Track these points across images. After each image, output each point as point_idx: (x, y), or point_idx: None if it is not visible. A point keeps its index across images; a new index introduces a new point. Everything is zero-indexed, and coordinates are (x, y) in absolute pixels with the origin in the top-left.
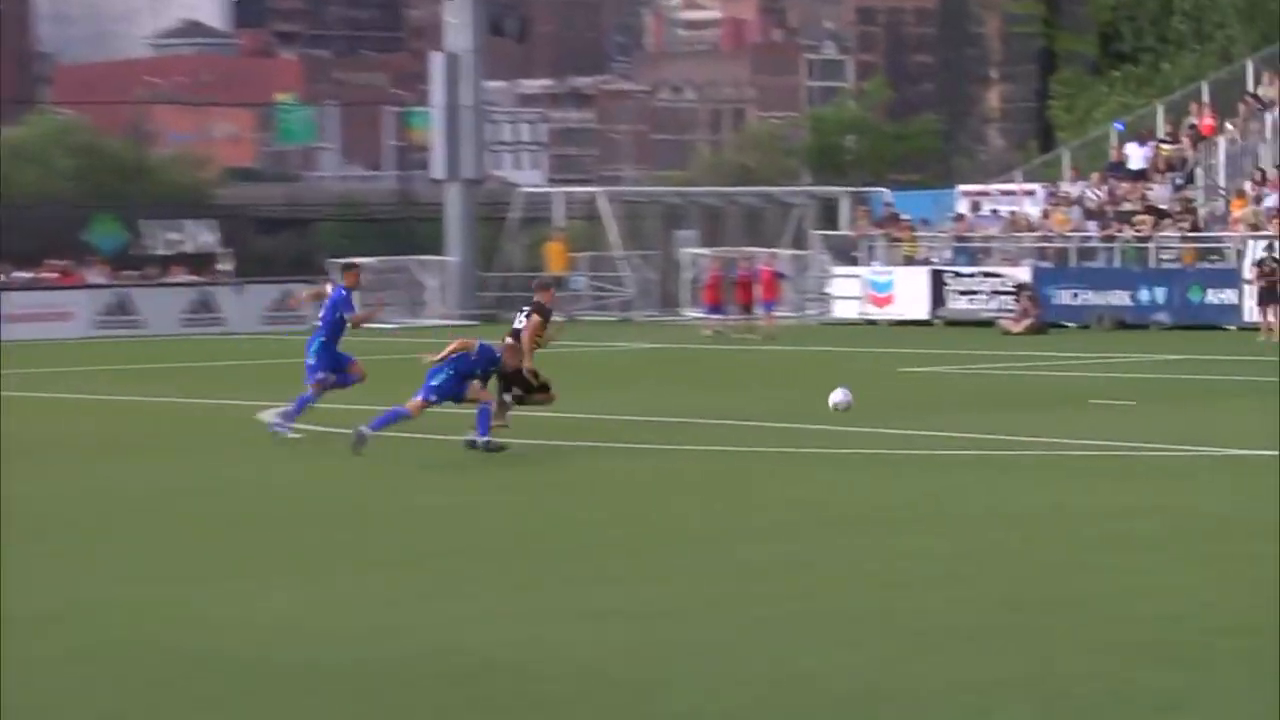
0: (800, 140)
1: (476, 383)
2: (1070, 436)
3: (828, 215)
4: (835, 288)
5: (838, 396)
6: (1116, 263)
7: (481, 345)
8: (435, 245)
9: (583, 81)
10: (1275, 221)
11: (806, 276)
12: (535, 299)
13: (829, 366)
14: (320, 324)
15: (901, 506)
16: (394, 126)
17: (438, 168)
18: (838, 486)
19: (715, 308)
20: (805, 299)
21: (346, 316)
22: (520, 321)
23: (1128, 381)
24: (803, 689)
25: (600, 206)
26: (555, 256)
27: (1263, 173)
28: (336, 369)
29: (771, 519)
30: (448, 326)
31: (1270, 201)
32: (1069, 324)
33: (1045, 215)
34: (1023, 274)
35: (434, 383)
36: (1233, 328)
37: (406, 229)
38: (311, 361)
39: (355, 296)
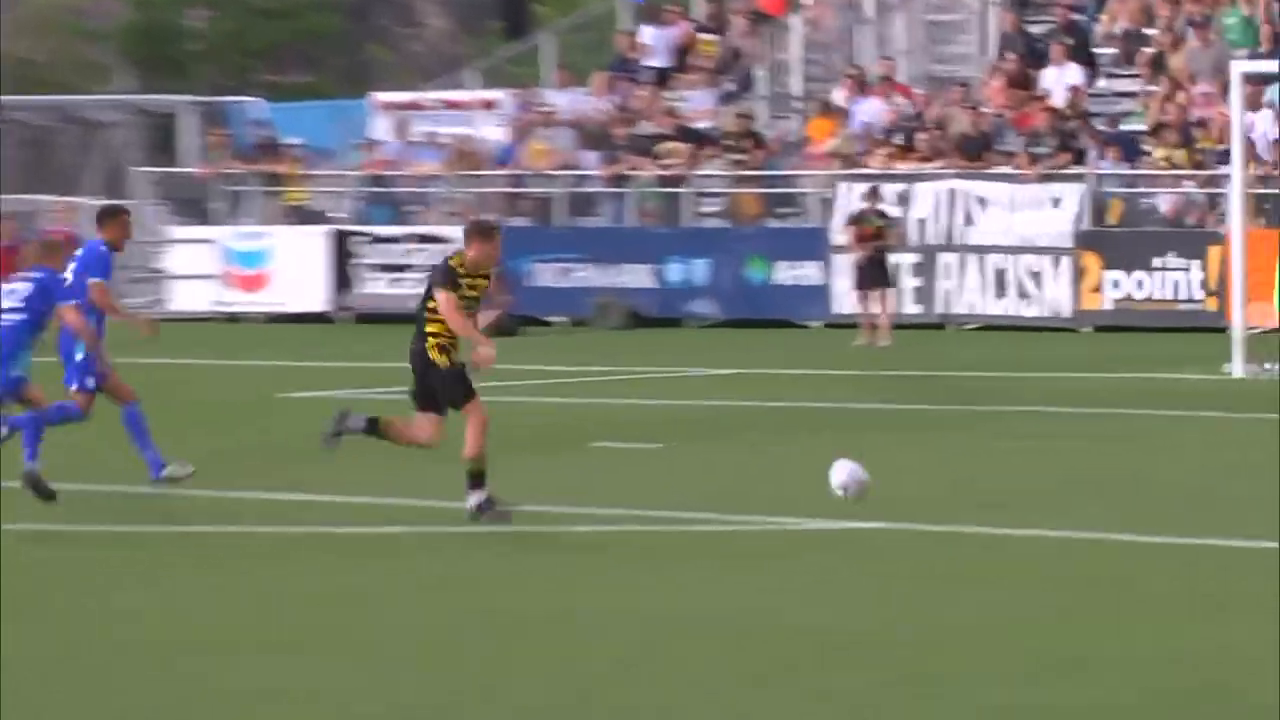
0: (112, 19)
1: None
2: (569, 500)
3: (161, 141)
4: (174, 260)
5: (843, 476)
6: (631, 220)
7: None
8: None
9: None
10: (883, 153)
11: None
12: (458, 255)
13: (158, 394)
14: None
15: (287, 619)
16: None
17: None
18: (177, 595)
19: None
20: (124, 279)
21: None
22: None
23: (652, 411)
24: None
25: None
26: None
27: (861, 73)
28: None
29: (88, 646)
30: None
31: (868, 115)
32: (556, 318)
33: (517, 142)
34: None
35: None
36: (816, 323)
37: None
38: (80, 357)
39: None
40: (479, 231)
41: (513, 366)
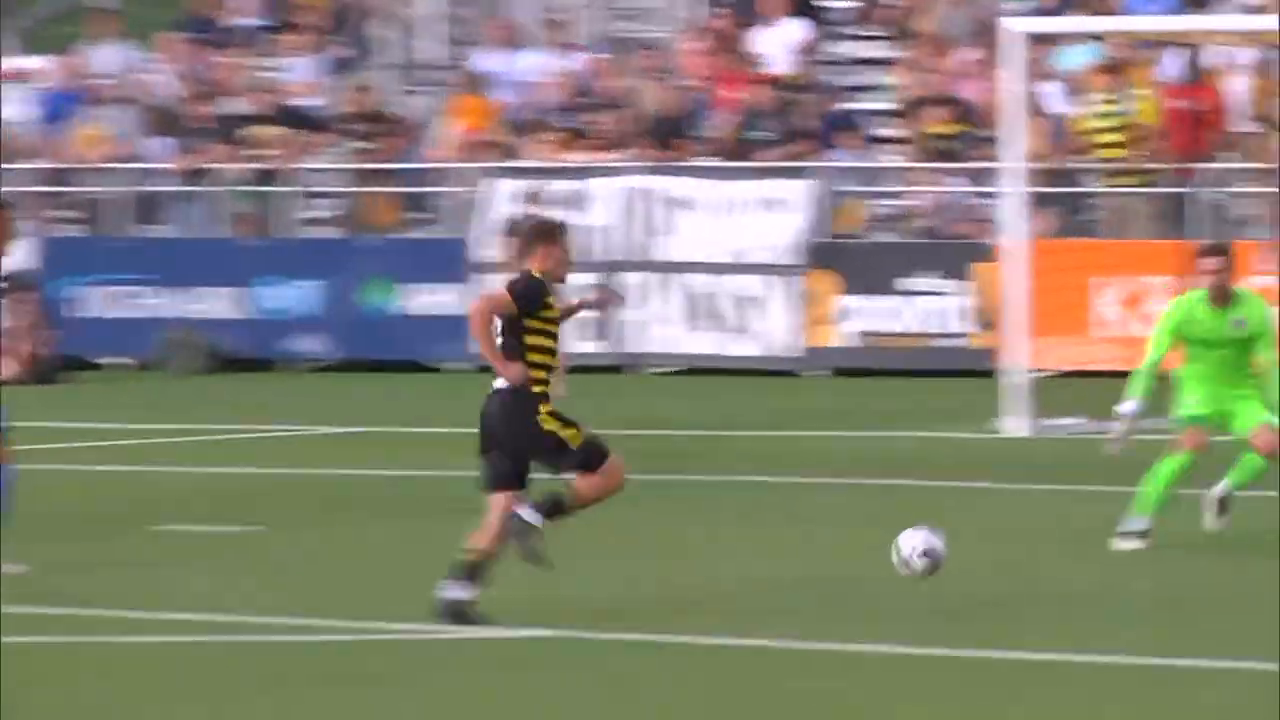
0: None
1: None
2: (124, 603)
3: None
4: None
5: (916, 541)
6: (212, 229)
7: None
8: None
9: None
10: (547, 139)
11: None
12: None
13: None
14: None
15: None
16: None
17: None
18: None
19: None
20: None
21: None
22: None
23: (239, 484)
24: None
25: None
26: None
27: (516, 32)
28: None
29: None
30: None
31: (526, 88)
32: (110, 359)
33: (58, 125)
34: (11, 255)
35: None
36: (456, 365)
37: None
38: None
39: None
40: (541, 234)
41: (51, 424)
